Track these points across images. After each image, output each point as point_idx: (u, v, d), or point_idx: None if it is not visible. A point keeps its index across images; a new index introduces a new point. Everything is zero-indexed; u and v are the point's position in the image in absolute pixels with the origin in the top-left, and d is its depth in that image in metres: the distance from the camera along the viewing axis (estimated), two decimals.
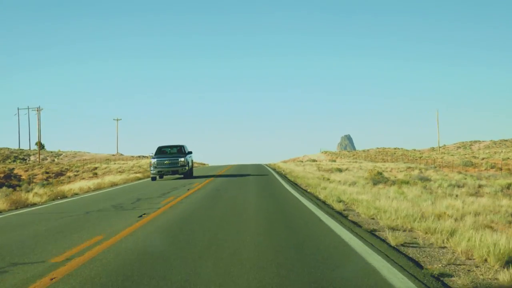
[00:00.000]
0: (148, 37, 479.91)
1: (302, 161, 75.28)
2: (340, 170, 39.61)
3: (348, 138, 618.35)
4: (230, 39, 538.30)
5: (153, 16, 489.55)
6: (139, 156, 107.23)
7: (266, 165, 59.58)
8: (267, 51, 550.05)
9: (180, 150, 27.18)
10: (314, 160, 74.20)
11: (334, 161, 68.15)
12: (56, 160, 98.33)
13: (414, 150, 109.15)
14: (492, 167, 49.94)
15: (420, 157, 78.32)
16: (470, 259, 5.58)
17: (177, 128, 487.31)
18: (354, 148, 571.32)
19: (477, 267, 5.22)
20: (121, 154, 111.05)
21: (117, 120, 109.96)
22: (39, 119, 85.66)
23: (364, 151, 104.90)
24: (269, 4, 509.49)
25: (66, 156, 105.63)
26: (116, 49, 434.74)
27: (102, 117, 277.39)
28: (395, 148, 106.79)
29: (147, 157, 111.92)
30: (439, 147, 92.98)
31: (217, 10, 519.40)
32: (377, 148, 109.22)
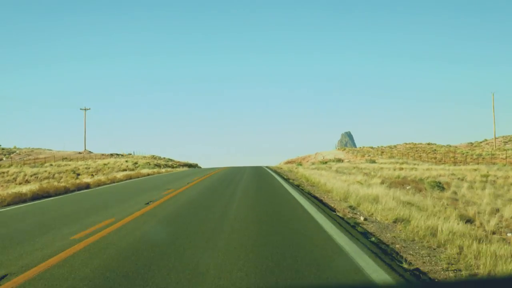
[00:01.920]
0: (145, 35, 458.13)
1: (321, 162, 54.70)
2: (440, 186, 19.40)
3: (349, 135, 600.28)
4: (228, 36, 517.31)
5: (148, 12, 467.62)
6: (111, 155, 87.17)
7: (269, 168, 39.09)
8: (266, 49, 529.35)
9: None
10: (338, 160, 53.71)
11: (374, 161, 47.64)
12: (4, 158, 78.12)
13: (449, 146, 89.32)
14: None
15: (478, 155, 58.20)
16: None
17: (169, 127, 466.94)
18: (355, 146, 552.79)
19: None
20: (90, 152, 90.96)
21: (84, 110, 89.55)
22: None
23: (390, 147, 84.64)
24: (268, 2, 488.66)
25: (19, 154, 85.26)
26: (114, 47, 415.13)
27: (69, 107, 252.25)
28: (428, 144, 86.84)
29: (122, 155, 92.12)
30: (494, 140, 72.77)
31: (216, 8, 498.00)
32: (405, 143, 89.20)
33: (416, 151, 77.19)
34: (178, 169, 49.79)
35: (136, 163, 52.04)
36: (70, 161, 72.04)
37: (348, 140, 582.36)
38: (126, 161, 52.56)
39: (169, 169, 46.90)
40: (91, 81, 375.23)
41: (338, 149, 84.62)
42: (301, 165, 41.61)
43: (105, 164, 47.52)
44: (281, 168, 39.34)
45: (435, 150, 73.93)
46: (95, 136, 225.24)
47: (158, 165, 56.69)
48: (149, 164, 51.79)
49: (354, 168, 35.18)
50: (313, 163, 60.94)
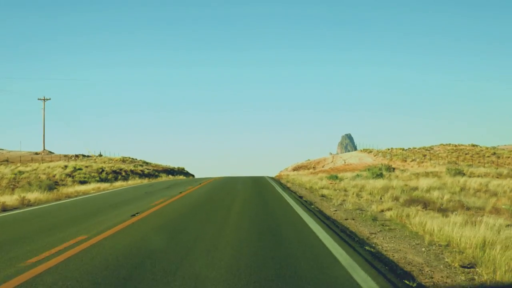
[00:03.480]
0: (140, 31, 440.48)
1: (360, 170, 37.30)
2: None
3: (349, 137, 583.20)
4: (225, 36, 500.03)
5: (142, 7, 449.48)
6: (76, 156, 69.63)
7: (276, 181, 28.96)
8: (263, 50, 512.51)
9: None
10: (387, 168, 36.11)
11: (460, 171, 29.87)
12: None
13: (494, 147, 72.22)
14: None
15: None
16: None
17: (161, 128, 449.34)
18: (355, 148, 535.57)
19: None
20: (50, 152, 73.45)
21: (43, 100, 71.88)
22: None
23: (425, 148, 67.23)
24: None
25: None
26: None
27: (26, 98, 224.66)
28: (472, 145, 69.63)
29: (89, 157, 74.59)
30: None
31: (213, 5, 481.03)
32: (442, 144, 71.94)
33: (466, 153, 59.93)
34: (142, 182, 32.43)
35: (79, 169, 34.46)
36: (28, 163, 54.14)
37: (348, 142, 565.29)
38: (66, 166, 35.02)
39: (134, 182, 29.60)
40: (54, 67, 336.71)
41: (361, 151, 67.25)
42: (338, 178, 24.15)
43: (18, 173, 29.87)
44: (298, 184, 22.49)
45: (495, 153, 56.59)
46: (60, 133, 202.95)
47: (118, 173, 39.14)
48: (101, 172, 34.24)
49: (462, 188, 17.81)
50: (336, 171, 43.70)
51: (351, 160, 58.61)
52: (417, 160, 49.24)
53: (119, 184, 27.09)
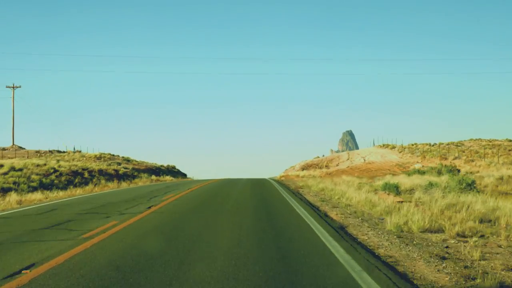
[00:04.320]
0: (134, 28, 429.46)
1: (409, 173, 27.84)
2: None
3: (350, 133, 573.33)
4: (223, 32, 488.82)
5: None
6: (50, 152, 60.06)
7: (284, 186, 23.18)
8: (263, 47, 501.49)
9: None
10: (450, 174, 26.56)
11: None
12: None
13: None
14: None
15: None
16: None
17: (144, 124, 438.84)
18: (356, 145, 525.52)
19: None
20: (20, 148, 63.89)
21: (13, 88, 62.24)
22: None
23: (454, 144, 57.78)
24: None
25: None
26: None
27: None
28: (507, 140, 60.41)
29: (64, 152, 64.94)
30: None
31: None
32: (472, 139, 62.75)
33: (504, 149, 50.59)
34: (103, 190, 23.13)
35: (19, 169, 24.99)
36: None
37: (349, 139, 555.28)
38: (1, 165, 25.60)
39: (84, 191, 20.36)
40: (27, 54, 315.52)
41: (380, 146, 57.71)
42: (395, 187, 14.52)
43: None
44: (329, 197, 13.03)
45: None
46: (34, 126, 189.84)
47: (80, 174, 29.87)
48: (49, 174, 24.97)
49: None
50: (358, 172, 34.54)
51: (371, 157, 49.17)
52: (463, 158, 39.87)
53: (54, 195, 17.65)
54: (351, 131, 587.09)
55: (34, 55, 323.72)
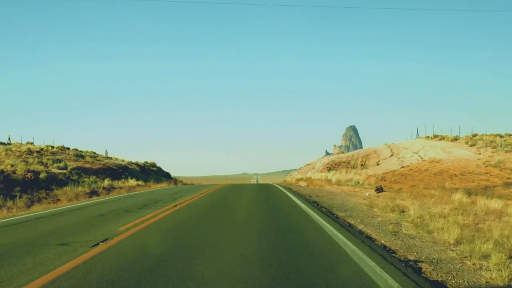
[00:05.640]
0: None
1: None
2: None
3: (353, 128, 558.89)
4: (226, 33, 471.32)
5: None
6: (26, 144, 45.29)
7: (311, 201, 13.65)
8: (267, 44, 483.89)
9: None
10: None
11: None
12: None
13: None
14: None
15: None
16: None
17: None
18: (360, 140, 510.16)
19: None
20: None
21: None
22: None
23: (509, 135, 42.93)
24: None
25: None
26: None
27: None
28: None
29: (44, 151, 49.71)
30: None
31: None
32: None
33: None
34: None
35: None
36: None
37: (352, 134, 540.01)
38: None
39: None
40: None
41: (431, 138, 42.73)
42: None
43: None
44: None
45: None
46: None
47: None
48: None
49: None
50: (425, 176, 19.93)
51: (429, 153, 34.34)
52: (498, 151, 25.39)
53: None
54: (354, 126, 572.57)
55: None
